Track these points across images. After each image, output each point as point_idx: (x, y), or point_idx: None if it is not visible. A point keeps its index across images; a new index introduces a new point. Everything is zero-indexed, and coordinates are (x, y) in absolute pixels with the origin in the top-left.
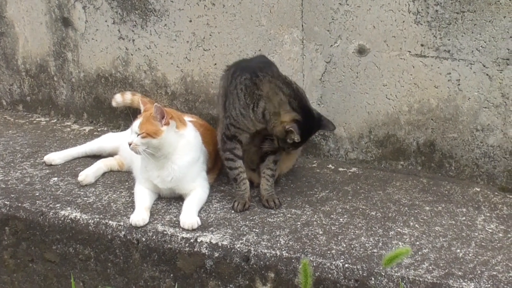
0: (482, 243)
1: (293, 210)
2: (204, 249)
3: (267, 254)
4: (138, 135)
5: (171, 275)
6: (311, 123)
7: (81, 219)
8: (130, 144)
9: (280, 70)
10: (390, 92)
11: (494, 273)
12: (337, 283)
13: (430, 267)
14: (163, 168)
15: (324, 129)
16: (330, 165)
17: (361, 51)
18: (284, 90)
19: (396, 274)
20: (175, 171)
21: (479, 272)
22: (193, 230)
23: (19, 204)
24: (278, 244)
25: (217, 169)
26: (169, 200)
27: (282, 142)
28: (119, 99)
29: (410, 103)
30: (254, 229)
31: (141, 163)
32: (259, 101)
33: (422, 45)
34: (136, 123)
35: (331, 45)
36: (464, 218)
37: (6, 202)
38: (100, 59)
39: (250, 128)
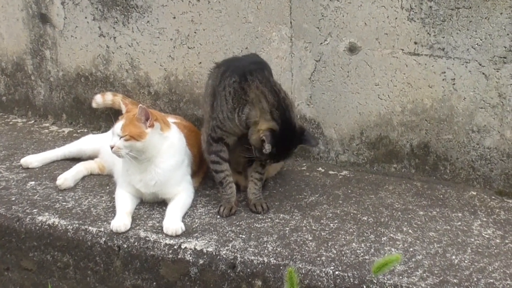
0: (479, 249)
1: (281, 215)
2: (189, 256)
3: (254, 261)
4: (121, 137)
5: (154, 283)
6: (290, 136)
7: (59, 225)
8: (112, 147)
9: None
10: (383, 92)
11: (491, 280)
12: None
13: (424, 275)
14: (146, 172)
15: (305, 144)
16: (320, 168)
17: (352, 49)
18: (268, 98)
19: (389, 281)
20: (159, 174)
21: (475, 279)
22: (177, 236)
23: None
24: (266, 251)
25: (202, 172)
26: (152, 205)
27: (259, 153)
28: (100, 100)
29: (403, 103)
30: (240, 235)
31: (122, 166)
32: (244, 107)
33: (415, 42)
34: (119, 125)
35: (321, 43)
36: (459, 223)
37: None
38: (80, 57)
39: (236, 131)
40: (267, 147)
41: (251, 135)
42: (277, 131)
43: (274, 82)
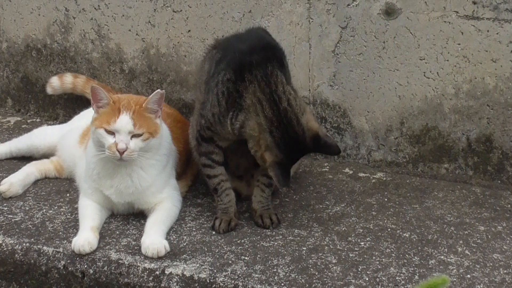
0: None
1: (296, 230)
2: (175, 284)
3: None
4: (134, 136)
5: None
6: (299, 153)
7: (4, 244)
8: (122, 152)
9: (279, 40)
10: (430, 68)
11: None
12: None
13: None
14: (122, 175)
15: (323, 153)
16: (347, 169)
17: (390, 12)
18: (266, 111)
19: None
20: (143, 180)
21: None
22: (160, 258)
23: None
24: (276, 277)
25: (192, 174)
26: (126, 218)
27: (261, 164)
28: (56, 83)
29: (458, 83)
30: (242, 257)
31: (86, 167)
32: (239, 113)
33: (474, 2)
34: (126, 121)
35: (348, 4)
36: None
37: None
38: (30, 23)
39: (229, 137)
40: (280, 189)
41: (252, 149)
42: (283, 159)
43: (276, 83)
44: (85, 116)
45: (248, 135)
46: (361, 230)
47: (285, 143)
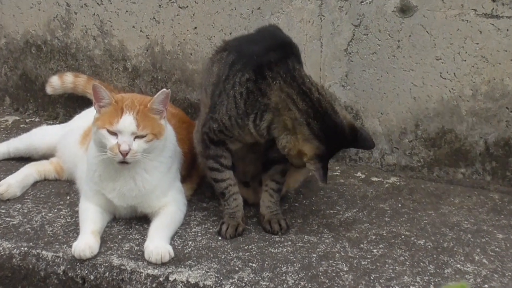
0: None
1: (306, 236)
2: None
3: None
4: (137, 137)
5: None
6: (339, 143)
7: (1, 248)
8: (125, 154)
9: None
10: (446, 69)
11: None
12: None
13: None
14: (125, 178)
15: (359, 147)
16: (359, 173)
17: (405, 9)
18: (299, 104)
19: None
20: (147, 182)
21: None
22: (164, 264)
23: None
24: (285, 285)
25: (197, 177)
26: (129, 222)
27: (296, 162)
28: (57, 82)
29: (476, 84)
30: (250, 263)
31: (88, 169)
32: (264, 113)
33: (493, 0)
34: (129, 121)
35: (362, 1)
36: None
37: None
38: (30, 19)
39: (247, 139)
40: (322, 184)
41: (284, 148)
42: (324, 151)
43: (302, 76)
44: (87, 116)
45: (279, 132)
46: (373, 237)
47: (324, 133)
